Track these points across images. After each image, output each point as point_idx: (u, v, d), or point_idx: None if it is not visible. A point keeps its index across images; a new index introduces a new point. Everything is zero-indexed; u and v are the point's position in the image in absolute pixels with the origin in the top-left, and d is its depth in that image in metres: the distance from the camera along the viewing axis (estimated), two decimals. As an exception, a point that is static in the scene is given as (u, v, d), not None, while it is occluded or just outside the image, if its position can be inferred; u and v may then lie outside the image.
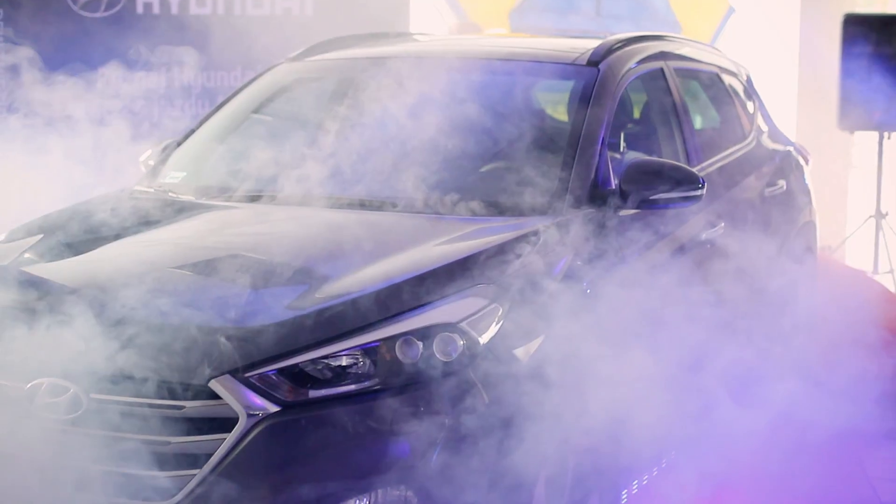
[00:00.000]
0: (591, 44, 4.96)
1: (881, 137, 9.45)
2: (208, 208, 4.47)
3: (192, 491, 3.32)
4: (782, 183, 6.08)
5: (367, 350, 3.45)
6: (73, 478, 3.37)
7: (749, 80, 6.53)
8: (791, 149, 6.55)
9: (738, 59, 6.68)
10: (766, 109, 6.55)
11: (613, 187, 4.36)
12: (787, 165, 6.34)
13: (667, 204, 4.37)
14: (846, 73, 9.22)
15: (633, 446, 4.18)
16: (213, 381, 3.34)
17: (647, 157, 4.48)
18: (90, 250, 4.12)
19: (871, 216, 9.52)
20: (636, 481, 4.62)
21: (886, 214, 9.49)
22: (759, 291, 5.47)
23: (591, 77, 4.70)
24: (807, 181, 6.55)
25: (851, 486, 5.28)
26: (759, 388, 5.30)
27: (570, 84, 4.81)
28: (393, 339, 3.47)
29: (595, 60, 4.79)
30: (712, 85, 6.00)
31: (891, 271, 9.31)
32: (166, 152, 5.04)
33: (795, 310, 6.29)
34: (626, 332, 4.04)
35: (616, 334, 3.97)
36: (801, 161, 6.60)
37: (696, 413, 4.73)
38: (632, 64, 4.93)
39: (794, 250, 6.19)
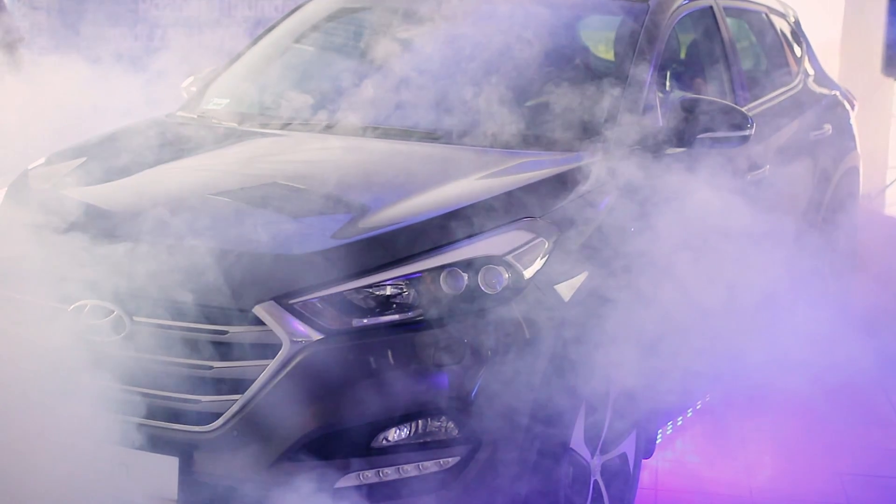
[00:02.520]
0: None
1: (925, 85, 9.31)
2: (251, 136, 4.45)
3: (233, 416, 3.31)
4: (828, 127, 6.01)
5: (412, 280, 3.42)
6: (116, 400, 3.37)
7: (797, 22, 6.44)
8: (837, 93, 6.46)
9: (785, 1, 6.58)
10: (813, 52, 6.46)
11: (661, 125, 4.31)
12: (832, 109, 6.26)
13: (715, 143, 4.32)
14: (893, 18, 9.07)
15: (671, 386, 4.17)
16: (257, 307, 3.32)
17: (695, 96, 4.41)
18: (132, 174, 4.09)
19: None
20: (671, 422, 4.61)
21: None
22: (802, 235, 5.42)
23: (642, 12, 4.64)
24: (852, 126, 6.47)
25: (880, 426, 5.27)
26: (793, 333, 5.26)
27: (619, 19, 4.74)
28: (437, 269, 3.44)
29: None
30: (760, 25, 5.92)
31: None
32: (209, 79, 5.01)
33: (836, 256, 6.24)
34: (669, 272, 4.00)
35: (659, 273, 3.94)
36: (847, 106, 6.51)
37: (734, 356, 4.70)
38: (682, 0, 4.86)
39: (838, 195, 6.12)
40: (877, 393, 5.71)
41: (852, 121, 6.50)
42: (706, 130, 4.28)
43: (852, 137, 6.43)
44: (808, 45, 6.43)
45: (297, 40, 5.08)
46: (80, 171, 4.12)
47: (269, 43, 5.08)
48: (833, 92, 6.41)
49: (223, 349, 3.35)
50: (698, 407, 4.90)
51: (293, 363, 3.30)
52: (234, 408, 3.31)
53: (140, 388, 3.39)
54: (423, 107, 4.38)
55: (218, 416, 3.33)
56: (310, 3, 5.27)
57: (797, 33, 6.34)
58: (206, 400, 3.35)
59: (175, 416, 3.37)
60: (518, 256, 3.53)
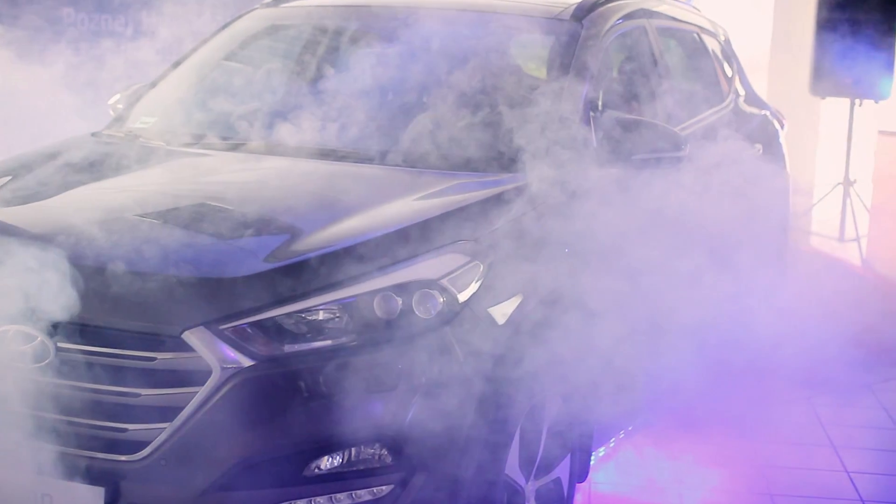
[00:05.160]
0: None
1: (852, 104, 9.42)
2: (180, 155, 4.37)
3: (161, 445, 3.23)
4: (758, 146, 6.03)
5: (345, 305, 3.36)
6: (40, 428, 3.28)
7: (727, 42, 6.47)
8: (767, 112, 6.50)
9: (715, 20, 6.61)
10: (743, 72, 6.49)
11: (596, 146, 4.29)
12: (763, 129, 6.29)
13: (649, 164, 4.31)
14: (820, 38, 9.17)
15: (605, 408, 4.15)
16: (186, 333, 3.24)
17: (629, 116, 4.40)
18: (55, 195, 3.99)
19: (839, 183, 9.50)
20: (604, 445, 4.59)
21: (855, 182, 9.48)
22: (733, 254, 5.43)
23: (575, 32, 4.62)
24: (782, 145, 6.51)
25: (809, 445, 5.32)
26: (723, 352, 5.28)
27: (552, 39, 4.72)
28: (371, 294, 3.38)
29: (579, 16, 4.70)
30: (692, 45, 5.93)
31: (857, 239, 9.31)
32: (136, 96, 4.92)
33: (766, 273, 6.27)
34: (605, 291, 3.98)
35: (594, 293, 3.91)
36: (777, 125, 6.55)
37: (668, 374, 4.70)
38: (615, 20, 4.85)
39: (769, 215, 6.14)
40: (806, 411, 5.76)
41: (782, 140, 6.54)
42: (641, 151, 4.27)
43: (782, 157, 6.47)
44: (739, 65, 6.46)
45: (227, 57, 5.00)
46: (1, 192, 4.01)
47: (198, 60, 5.00)
48: (763, 111, 6.45)
49: (151, 376, 3.26)
50: (630, 429, 4.89)
51: (223, 390, 3.23)
52: (163, 436, 3.23)
53: (65, 416, 3.30)
54: (357, 127, 4.32)
55: (146, 444, 3.25)
56: (239, 19, 5.19)
57: (728, 53, 6.36)
58: (134, 428, 3.26)
59: (101, 445, 3.29)
60: (453, 280, 3.49)
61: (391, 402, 3.32)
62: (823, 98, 9.57)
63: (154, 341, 3.27)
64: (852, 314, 6.77)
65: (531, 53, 5.00)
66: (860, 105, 9.41)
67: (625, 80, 4.95)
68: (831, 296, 7.11)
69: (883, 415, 5.83)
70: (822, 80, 9.25)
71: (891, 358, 6.54)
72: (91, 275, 3.35)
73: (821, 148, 10.16)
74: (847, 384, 6.10)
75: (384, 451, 3.34)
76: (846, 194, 9.45)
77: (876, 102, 9.34)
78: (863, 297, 7.38)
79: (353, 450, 3.31)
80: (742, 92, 6.30)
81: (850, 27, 8.94)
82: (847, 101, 9.44)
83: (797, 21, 9.74)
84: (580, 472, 4.12)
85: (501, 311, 3.57)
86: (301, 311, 3.33)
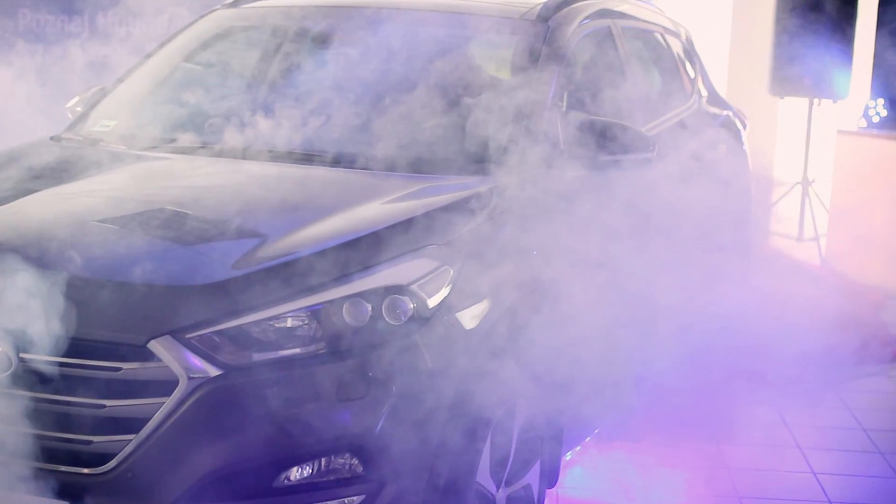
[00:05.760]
0: None
1: (811, 104, 9.44)
2: (142, 159, 4.28)
3: (127, 457, 3.16)
4: (722, 147, 6.02)
5: (314, 312, 3.30)
6: (2, 441, 3.20)
7: (689, 42, 6.45)
8: (730, 113, 6.49)
9: (677, 20, 6.60)
10: (706, 72, 6.48)
11: (563, 148, 4.25)
12: (726, 129, 6.28)
13: (617, 166, 4.27)
14: (779, 38, 9.19)
15: (575, 413, 4.12)
16: (152, 342, 3.18)
17: (597, 118, 4.36)
18: (14, 202, 3.89)
19: (798, 183, 9.52)
20: (571, 449, 4.57)
21: (814, 181, 9.50)
22: (699, 255, 5.42)
23: (541, 33, 4.58)
24: (744, 145, 6.51)
25: (776, 447, 5.33)
26: (688, 354, 5.28)
27: (518, 40, 4.67)
28: (340, 300, 3.33)
29: (545, 16, 4.66)
30: (656, 45, 5.91)
31: (816, 238, 9.33)
32: (95, 99, 4.83)
33: (731, 274, 6.27)
34: (574, 294, 3.94)
35: (564, 296, 3.88)
36: (740, 125, 6.55)
37: (636, 376, 4.69)
38: (581, 20, 4.81)
39: (731, 214, 6.14)
40: (771, 412, 5.76)
41: (744, 140, 6.54)
42: (609, 153, 4.23)
43: (745, 157, 6.46)
44: (702, 65, 6.45)
45: (188, 59, 4.92)
46: None
47: (158, 62, 4.91)
48: (726, 112, 6.44)
49: (116, 387, 3.19)
50: (597, 432, 4.87)
51: (191, 400, 3.16)
52: (129, 448, 3.17)
53: (27, 428, 3.22)
54: (323, 130, 4.26)
55: (111, 457, 3.18)
56: (199, 20, 5.11)
57: (690, 53, 6.35)
58: (98, 441, 3.19)
59: (65, 457, 3.21)
60: (423, 285, 3.44)
61: (361, 410, 3.27)
62: (782, 98, 9.58)
63: (119, 351, 3.20)
64: (813, 314, 6.80)
65: (498, 55, 4.95)
66: (819, 105, 9.43)
67: (592, 80, 4.91)
68: (791, 296, 7.14)
69: (847, 415, 5.83)
70: (781, 79, 9.26)
71: (853, 358, 6.55)
72: (54, 283, 3.27)
73: (779, 148, 10.17)
74: (810, 385, 6.11)
75: (355, 461, 3.29)
76: (805, 194, 9.47)
77: (834, 102, 9.37)
78: (823, 297, 7.39)
79: (323, 460, 3.26)
80: (705, 92, 6.29)
81: (808, 27, 8.95)
82: (806, 100, 9.46)
83: (756, 21, 9.74)
84: (550, 478, 4.08)
85: (471, 316, 3.52)
86: (269, 319, 3.27)
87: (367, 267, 3.40)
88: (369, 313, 3.34)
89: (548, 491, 4.19)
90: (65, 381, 3.21)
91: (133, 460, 3.16)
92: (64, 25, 7.83)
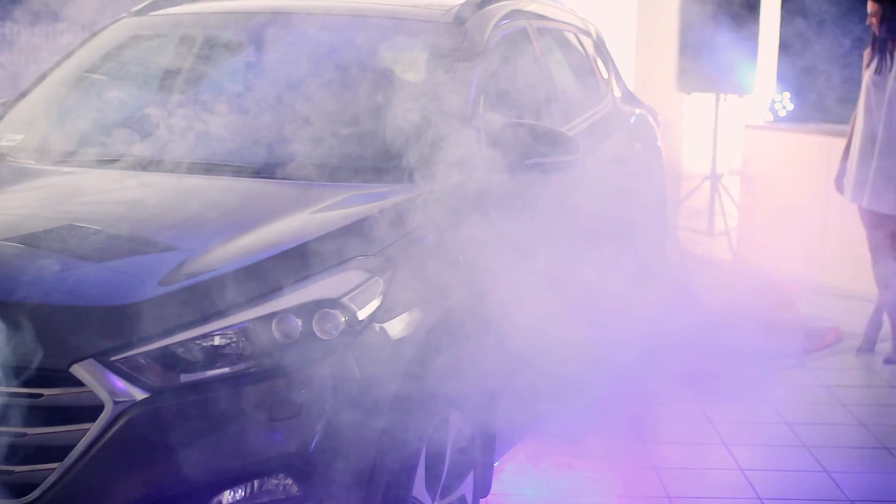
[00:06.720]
0: (455, 1, 4.76)
1: (717, 99, 9.51)
2: (52, 174, 4.12)
3: (52, 486, 3.04)
4: (638, 145, 6.01)
5: (242, 329, 3.20)
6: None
7: (601, 40, 6.43)
8: (644, 111, 6.49)
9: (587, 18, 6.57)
10: (618, 70, 6.46)
11: (486, 152, 4.18)
12: (641, 127, 6.27)
13: (541, 168, 4.21)
14: (684, 34, 9.24)
15: (507, 421, 4.07)
16: (74, 366, 3.06)
17: (519, 121, 4.31)
18: None
19: (707, 177, 9.58)
20: (504, 455, 4.52)
21: (722, 176, 9.57)
22: (619, 253, 5.41)
23: (460, 36, 4.50)
24: (658, 143, 6.51)
25: (703, 444, 5.33)
26: (610, 353, 5.26)
27: (436, 43, 4.58)
28: (269, 317, 3.23)
29: (462, 18, 4.59)
30: (570, 45, 5.87)
31: (726, 232, 9.40)
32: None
33: (648, 272, 6.27)
34: (503, 300, 3.89)
35: (493, 302, 3.83)
36: (653, 123, 6.55)
37: (563, 380, 4.65)
38: (497, 22, 4.75)
39: (648, 213, 6.14)
40: (695, 409, 5.77)
41: (658, 137, 6.54)
42: (532, 156, 4.17)
43: (659, 154, 6.47)
44: (614, 64, 6.43)
45: (95, 70, 4.75)
46: None
47: (64, 73, 4.74)
48: (640, 110, 6.43)
49: (38, 414, 3.07)
50: (527, 438, 4.83)
51: (117, 426, 3.05)
52: (53, 477, 3.04)
53: None
54: (239, 140, 4.14)
55: (34, 487, 3.05)
56: (105, 30, 4.94)
57: (603, 51, 6.32)
58: (20, 470, 3.06)
59: None
60: (353, 298, 3.35)
61: (294, 429, 3.18)
62: (689, 94, 9.64)
63: (40, 376, 3.06)
64: (727, 309, 6.84)
65: (416, 58, 4.87)
66: (725, 100, 9.51)
67: (511, 83, 4.85)
68: (705, 291, 7.17)
69: (770, 409, 5.86)
70: (688, 75, 9.32)
71: (770, 352, 6.59)
72: None
73: (688, 143, 10.24)
74: (730, 380, 6.14)
75: (289, 481, 3.20)
76: (714, 188, 9.54)
77: (740, 97, 9.45)
78: (736, 292, 7.43)
79: (257, 481, 3.17)
80: (618, 92, 6.28)
81: (713, 23, 9.02)
82: (713, 96, 9.53)
83: (661, 17, 9.79)
84: (483, 487, 4.02)
85: (403, 327, 3.45)
86: (196, 339, 3.16)
87: (295, 281, 3.30)
88: (299, 329, 3.24)
89: (481, 500, 4.14)
90: None
91: (58, 490, 3.04)
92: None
